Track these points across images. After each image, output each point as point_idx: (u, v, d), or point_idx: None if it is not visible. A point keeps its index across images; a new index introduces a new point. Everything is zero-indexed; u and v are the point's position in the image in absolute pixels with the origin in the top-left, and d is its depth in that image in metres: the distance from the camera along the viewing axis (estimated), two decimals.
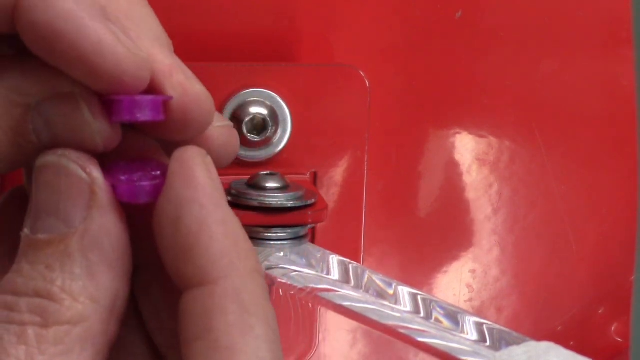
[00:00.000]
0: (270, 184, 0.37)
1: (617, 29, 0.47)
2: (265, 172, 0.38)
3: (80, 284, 0.27)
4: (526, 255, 0.49)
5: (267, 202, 0.37)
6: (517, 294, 0.50)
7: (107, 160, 0.29)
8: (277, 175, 0.38)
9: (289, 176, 0.39)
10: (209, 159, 0.29)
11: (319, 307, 0.44)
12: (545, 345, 0.33)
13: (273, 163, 0.42)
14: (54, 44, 0.27)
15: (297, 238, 0.38)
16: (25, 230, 0.28)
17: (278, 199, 0.37)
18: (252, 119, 0.41)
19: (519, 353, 0.33)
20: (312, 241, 0.42)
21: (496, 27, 0.47)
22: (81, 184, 0.28)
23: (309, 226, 0.39)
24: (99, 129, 0.28)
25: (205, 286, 0.27)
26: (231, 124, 0.33)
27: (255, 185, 0.37)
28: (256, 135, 0.41)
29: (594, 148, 0.49)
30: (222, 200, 0.28)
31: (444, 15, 0.46)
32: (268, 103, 0.41)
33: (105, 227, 0.28)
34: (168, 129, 0.30)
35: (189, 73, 0.31)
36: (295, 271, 0.39)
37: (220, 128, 0.32)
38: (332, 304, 0.37)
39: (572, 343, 0.50)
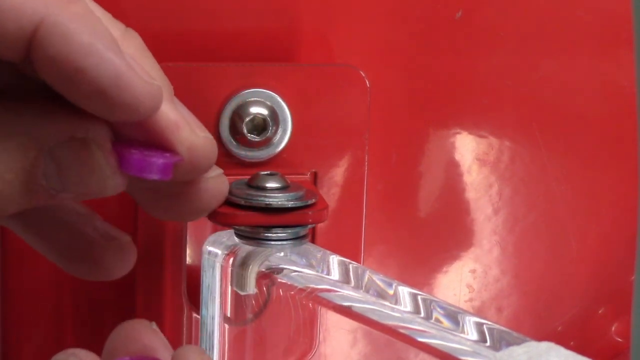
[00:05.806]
0: (271, 184, 0.37)
1: (617, 29, 0.47)
2: (265, 172, 0.38)
3: None
4: (526, 255, 0.49)
5: (267, 202, 0.37)
6: (518, 294, 0.49)
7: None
8: (277, 175, 0.38)
9: (289, 176, 0.39)
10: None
11: (319, 307, 0.44)
12: (546, 345, 0.33)
13: (273, 163, 0.42)
14: (73, 78, 0.27)
15: (298, 238, 0.38)
16: None
17: (278, 199, 0.37)
18: (252, 119, 0.41)
19: (520, 353, 0.33)
20: (312, 241, 0.42)
21: (496, 27, 0.47)
22: None
23: (309, 226, 0.39)
24: (109, 174, 0.29)
25: None
26: (221, 171, 0.35)
27: (256, 185, 0.37)
28: (256, 135, 0.41)
29: (594, 148, 0.49)
30: None
31: (444, 15, 0.46)
32: (268, 103, 0.41)
33: None
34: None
35: (193, 121, 0.32)
36: (296, 271, 0.39)
37: (213, 179, 0.34)
38: (332, 304, 0.37)
39: (572, 343, 0.50)
